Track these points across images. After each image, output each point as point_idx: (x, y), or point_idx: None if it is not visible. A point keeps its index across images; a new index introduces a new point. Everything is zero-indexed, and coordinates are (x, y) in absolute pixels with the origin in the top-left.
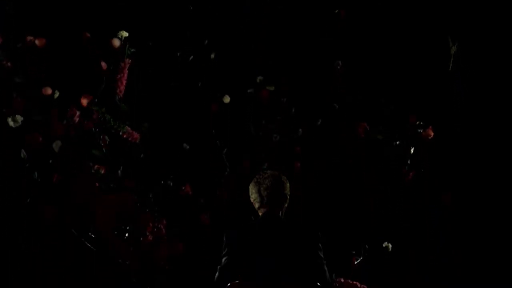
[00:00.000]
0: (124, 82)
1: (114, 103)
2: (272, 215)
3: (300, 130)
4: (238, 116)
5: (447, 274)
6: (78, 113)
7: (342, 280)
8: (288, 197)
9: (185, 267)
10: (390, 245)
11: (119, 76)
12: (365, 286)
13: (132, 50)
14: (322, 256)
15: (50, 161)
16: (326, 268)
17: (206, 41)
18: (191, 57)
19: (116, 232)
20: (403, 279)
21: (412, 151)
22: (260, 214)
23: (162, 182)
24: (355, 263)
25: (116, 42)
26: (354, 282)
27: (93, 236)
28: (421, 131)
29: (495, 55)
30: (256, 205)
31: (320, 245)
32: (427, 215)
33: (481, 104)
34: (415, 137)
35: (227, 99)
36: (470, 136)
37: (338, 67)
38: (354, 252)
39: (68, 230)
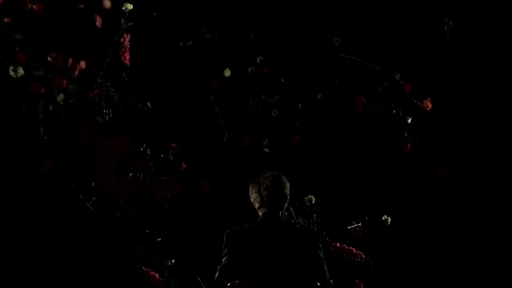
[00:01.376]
0: (128, 57)
1: (120, 77)
2: (272, 215)
3: (300, 104)
4: (238, 91)
5: (444, 248)
6: (78, 66)
7: (338, 244)
8: (288, 197)
9: (184, 206)
10: (389, 219)
11: (121, 50)
12: (360, 252)
13: (130, 24)
14: (322, 256)
15: (51, 109)
16: (326, 268)
17: (205, 29)
18: (190, 42)
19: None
20: (401, 251)
21: (409, 121)
22: (260, 214)
23: (162, 155)
24: (355, 227)
25: (107, 3)
26: (350, 248)
27: (93, 186)
28: (418, 102)
29: (493, 27)
30: (256, 205)
31: (320, 245)
32: (424, 187)
33: (479, 76)
34: (412, 107)
35: (227, 73)
36: (468, 108)
37: (337, 44)
38: (353, 222)
39: (67, 184)
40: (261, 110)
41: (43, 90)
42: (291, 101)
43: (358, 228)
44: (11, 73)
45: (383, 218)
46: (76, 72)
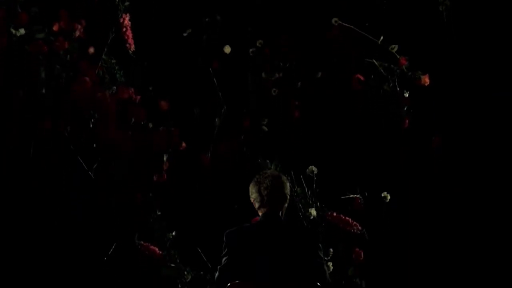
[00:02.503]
0: (131, 35)
1: (125, 56)
2: (272, 215)
3: (299, 83)
4: (238, 70)
5: (441, 223)
6: (80, 26)
7: (334, 214)
8: (288, 197)
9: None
10: (388, 196)
11: (123, 30)
12: (357, 223)
13: (127, 3)
14: (322, 256)
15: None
16: (326, 268)
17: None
18: (189, 30)
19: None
20: (398, 227)
21: (406, 95)
22: (260, 214)
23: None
24: (358, 199)
25: None
26: (346, 218)
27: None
28: (417, 76)
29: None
30: (256, 205)
31: (320, 245)
32: (422, 162)
33: (478, 53)
34: (409, 82)
35: (228, 49)
36: (465, 83)
37: (336, 24)
38: (349, 193)
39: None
40: (261, 89)
41: (46, 49)
42: (290, 79)
43: (360, 200)
44: (13, 31)
45: (382, 195)
46: (77, 33)
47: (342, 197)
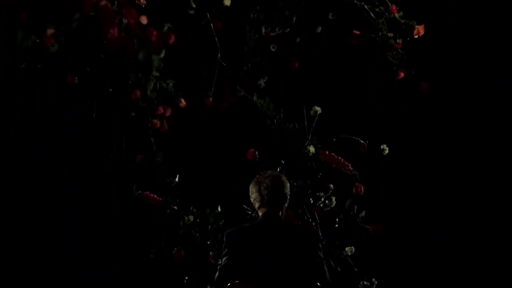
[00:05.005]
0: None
1: None
2: (272, 215)
3: (298, 38)
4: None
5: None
6: None
7: (327, 152)
8: (288, 196)
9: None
10: (386, 149)
11: None
12: (349, 164)
13: None
14: (322, 256)
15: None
16: (326, 268)
17: None
18: None
19: None
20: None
21: (399, 41)
22: (260, 214)
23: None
24: (361, 143)
25: None
26: (339, 158)
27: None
28: (407, 25)
29: None
30: (257, 205)
31: (320, 245)
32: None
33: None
34: (404, 34)
35: (227, 1)
36: (463, 34)
37: None
38: (344, 135)
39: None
40: (260, 44)
41: None
42: (290, 35)
43: (364, 145)
44: None
45: (381, 147)
46: None
47: (343, 136)
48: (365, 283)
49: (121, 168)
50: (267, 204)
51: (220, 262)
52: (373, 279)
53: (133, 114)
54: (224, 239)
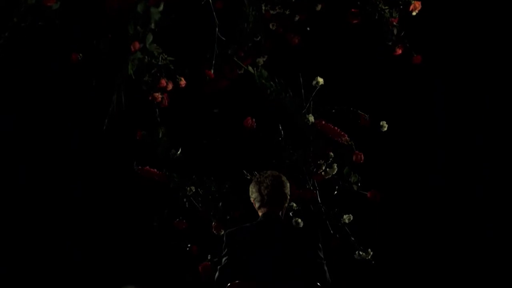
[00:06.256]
0: None
1: None
2: (272, 215)
3: (297, 16)
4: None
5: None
6: None
7: (323, 122)
8: (288, 196)
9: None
10: (385, 126)
11: None
12: (345, 134)
13: None
14: (322, 256)
15: None
16: (326, 268)
17: None
18: None
19: None
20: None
21: (395, 15)
22: (260, 214)
23: None
24: (363, 116)
25: None
26: (335, 127)
27: None
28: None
29: None
30: (257, 205)
31: (320, 245)
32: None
33: None
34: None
35: None
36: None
37: None
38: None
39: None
40: (259, 22)
41: None
42: (289, 13)
43: (365, 116)
44: None
45: (380, 124)
46: None
47: (343, 107)
48: (360, 253)
49: (122, 142)
50: (267, 204)
51: (216, 259)
52: (369, 250)
53: (133, 75)
54: (224, 239)
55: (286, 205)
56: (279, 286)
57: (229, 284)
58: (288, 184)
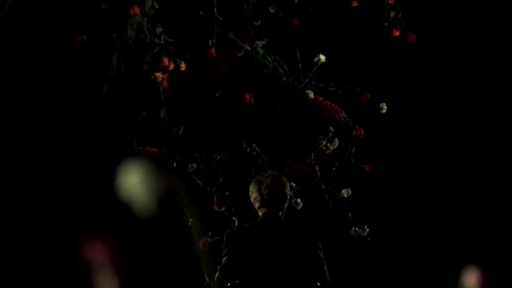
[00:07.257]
0: None
1: None
2: (272, 215)
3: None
4: None
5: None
6: None
7: (321, 98)
8: (289, 196)
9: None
10: (385, 106)
11: None
12: (342, 111)
13: None
14: (322, 256)
15: None
16: (326, 268)
17: None
18: None
19: None
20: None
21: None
22: (260, 214)
23: None
24: (365, 94)
25: None
26: (333, 104)
27: None
28: None
29: None
30: (257, 205)
31: (320, 245)
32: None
33: None
34: None
35: None
36: None
37: None
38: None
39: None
40: (259, 4)
41: None
42: None
43: (365, 95)
44: None
45: (380, 105)
46: None
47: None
48: (357, 229)
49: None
50: (267, 204)
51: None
52: (365, 226)
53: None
54: (224, 239)
55: (286, 205)
56: (279, 286)
57: (229, 284)
58: (288, 184)
